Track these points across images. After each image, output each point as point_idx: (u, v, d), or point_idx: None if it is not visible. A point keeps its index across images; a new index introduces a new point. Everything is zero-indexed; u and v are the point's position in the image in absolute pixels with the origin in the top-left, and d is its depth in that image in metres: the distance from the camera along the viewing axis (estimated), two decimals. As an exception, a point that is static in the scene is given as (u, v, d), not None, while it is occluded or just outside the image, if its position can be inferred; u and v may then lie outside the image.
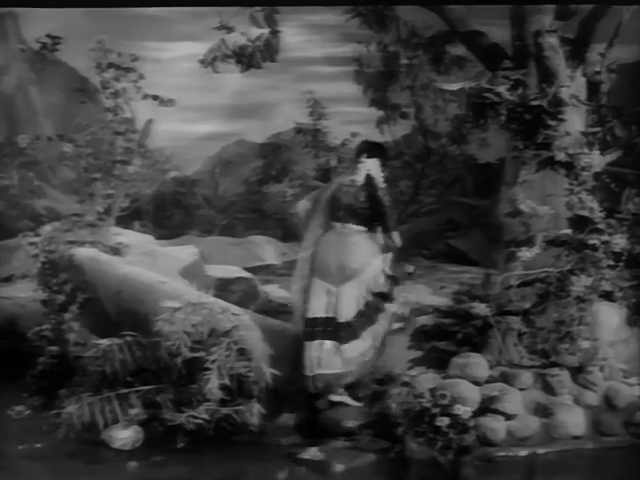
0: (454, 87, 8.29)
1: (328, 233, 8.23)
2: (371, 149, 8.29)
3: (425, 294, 10.24)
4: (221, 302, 7.97)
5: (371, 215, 8.14)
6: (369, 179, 8.16)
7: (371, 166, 8.19)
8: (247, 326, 7.87)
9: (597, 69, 8.40)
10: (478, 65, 12.02)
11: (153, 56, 10.64)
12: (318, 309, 8.01)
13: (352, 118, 12.74)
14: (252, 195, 13.67)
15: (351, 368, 7.95)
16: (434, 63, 12.05)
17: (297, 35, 11.73)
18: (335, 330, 7.93)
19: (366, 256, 8.12)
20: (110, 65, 9.55)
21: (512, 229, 8.23)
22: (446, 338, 8.13)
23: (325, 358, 7.89)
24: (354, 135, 12.68)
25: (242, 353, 7.75)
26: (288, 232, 13.01)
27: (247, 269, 11.13)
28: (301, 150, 13.26)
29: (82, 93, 10.85)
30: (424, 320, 8.43)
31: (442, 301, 9.78)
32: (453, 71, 12.04)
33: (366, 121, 12.62)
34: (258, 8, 9.04)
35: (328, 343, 7.91)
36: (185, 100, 10.49)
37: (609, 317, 8.35)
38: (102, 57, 9.62)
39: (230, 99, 12.48)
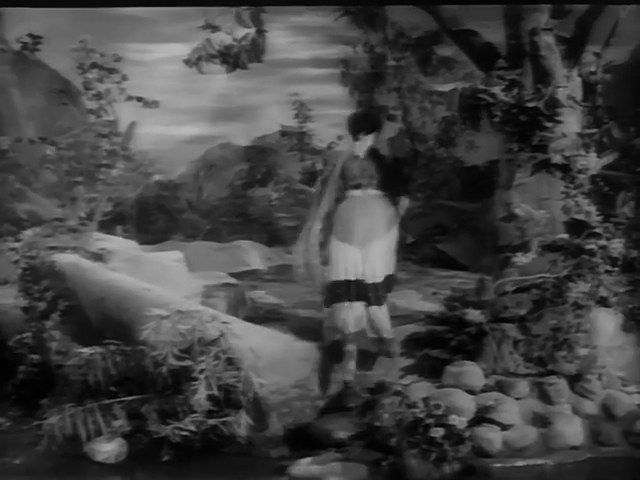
0: (446, 88, 7.97)
1: (345, 201, 8.25)
2: (365, 125, 8.41)
3: (415, 300, 9.95)
4: (210, 310, 7.67)
5: (386, 181, 8.23)
6: (374, 151, 8.31)
7: (370, 141, 8.33)
8: (236, 334, 7.56)
9: (592, 69, 8.13)
10: (466, 66, 11.80)
11: (136, 58, 10.37)
12: (342, 271, 8.05)
13: (338, 120, 12.35)
14: (237, 199, 13.35)
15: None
16: (422, 64, 11.79)
17: (282, 37, 11.47)
18: (363, 292, 8.01)
19: (389, 220, 8.22)
20: (93, 65, 9.28)
21: (507, 234, 7.94)
22: (439, 346, 7.85)
23: (356, 319, 7.96)
24: (340, 138, 12.38)
25: (231, 362, 7.46)
26: (273, 236, 12.78)
27: (232, 274, 10.88)
28: (286, 153, 12.96)
29: (64, 95, 10.51)
30: (416, 327, 8.11)
31: (434, 307, 9.59)
32: (441, 72, 11.79)
33: None
34: (244, 7, 8.70)
35: (357, 305, 7.99)
36: (169, 102, 10.27)
37: (605, 323, 8.06)
38: (85, 57, 9.35)
39: (214, 101, 12.19)
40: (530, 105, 7.43)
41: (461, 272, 11.46)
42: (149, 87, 10.12)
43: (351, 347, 7.94)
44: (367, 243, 8.10)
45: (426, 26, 11.48)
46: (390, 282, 8.22)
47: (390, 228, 8.25)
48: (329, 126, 12.50)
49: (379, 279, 8.09)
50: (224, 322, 7.53)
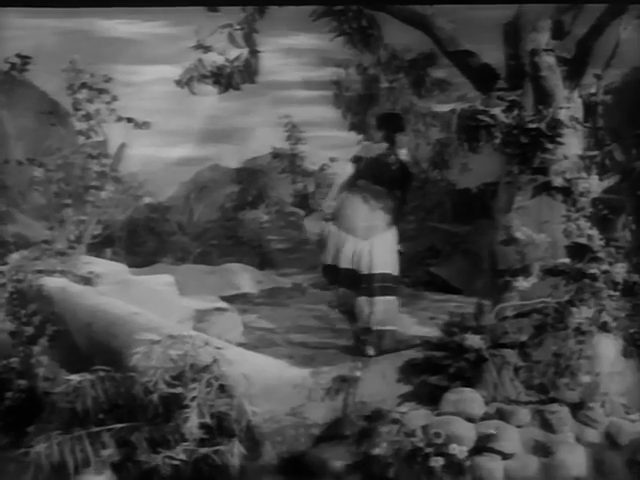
0: (445, 109, 7.72)
1: (353, 190, 8.64)
2: (395, 123, 8.91)
3: (410, 324, 9.72)
4: (202, 335, 7.41)
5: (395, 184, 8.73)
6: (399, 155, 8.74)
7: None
8: (228, 360, 7.29)
9: (593, 91, 7.89)
10: (460, 88, 11.66)
11: (125, 79, 10.16)
12: (345, 260, 8.51)
13: (330, 142, 12.30)
14: (227, 221, 13.16)
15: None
16: (415, 86, 11.58)
17: (273, 59, 11.28)
18: (355, 281, 8.48)
19: (390, 218, 8.65)
20: (83, 86, 9.03)
21: (506, 257, 7.68)
22: (437, 372, 7.57)
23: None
24: (332, 160, 12.27)
25: (223, 390, 7.19)
26: (264, 259, 12.58)
27: (223, 298, 10.65)
28: (278, 175, 12.80)
29: (52, 116, 10.27)
30: (413, 353, 7.84)
31: (430, 332, 9.34)
32: (435, 94, 11.60)
33: (345, 145, 12.11)
34: (237, 27, 8.47)
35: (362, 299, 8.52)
36: (158, 124, 10.07)
37: (606, 349, 7.81)
38: (74, 78, 9.11)
39: (204, 123, 12.10)
40: (532, 126, 7.19)
41: (455, 296, 11.30)
42: (138, 109, 9.89)
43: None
44: (370, 236, 8.54)
45: (419, 48, 11.37)
46: (388, 279, 8.56)
47: (390, 226, 8.68)
48: (321, 148, 12.41)
49: (377, 271, 8.50)
50: (217, 347, 7.23)
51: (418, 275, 12.15)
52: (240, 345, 8.33)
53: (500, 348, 7.49)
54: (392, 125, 8.87)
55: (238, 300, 10.88)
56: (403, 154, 8.80)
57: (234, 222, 13.14)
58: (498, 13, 7.92)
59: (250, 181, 13.10)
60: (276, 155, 12.60)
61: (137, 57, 11.45)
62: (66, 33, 10.69)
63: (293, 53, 11.91)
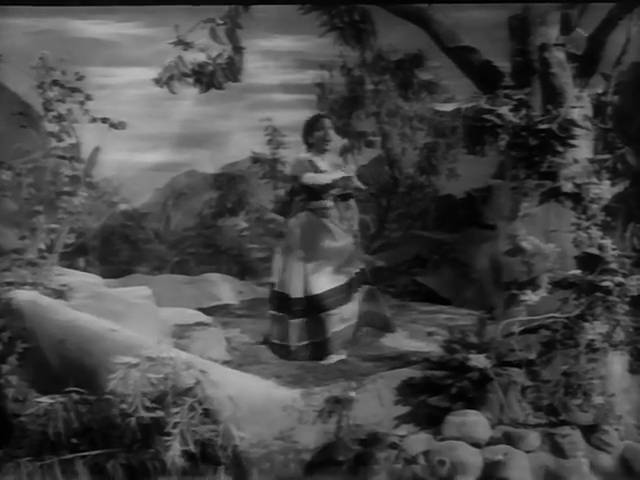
0: (448, 108, 7.03)
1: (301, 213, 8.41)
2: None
3: (401, 338, 9.05)
4: (184, 355, 6.70)
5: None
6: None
7: None
8: (212, 382, 6.60)
9: (601, 90, 7.24)
10: (448, 90, 11.08)
11: (99, 82, 9.46)
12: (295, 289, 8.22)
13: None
14: (206, 229, 12.44)
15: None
16: (402, 88, 10.97)
17: (253, 61, 10.68)
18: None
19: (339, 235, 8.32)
20: (54, 83, 8.29)
21: (512, 269, 7.02)
22: (438, 392, 6.91)
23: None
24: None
25: (207, 414, 6.51)
26: (245, 269, 11.90)
27: (202, 309, 9.95)
28: (258, 181, 12.08)
29: (23, 117, 9.52)
30: (410, 372, 7.17)
31: (421, 346, 8.75)
32: (422, 96, 10.99)
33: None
34: (220, 22, 7.78)
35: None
36: (133, 128, 9.33)
37: (616, 366, 7.18)
38: (44, 75, 8.38)
39: (180, 127, 11.41)
40: (542, 127, 6.52)
41: (445, 306, 10.66)
42: (112, 112, 9.15)
43: None
44: (315, 258, 8.24)
45: (410, 46, 10.79)
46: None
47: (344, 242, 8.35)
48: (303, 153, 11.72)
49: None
50: (201, 371, 6.54)
51: (404, 285, 11.50)
52: (224, 363, 7.64)
53: (506, 366, 6.83)
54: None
55: (218, 312, 10.20)
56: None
57: (213, 230, 12.42)
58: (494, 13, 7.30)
59: (229, 187, 12.39)
60: (256, 160, 11.89)
61: (111, 59, 10.61)
62: (37, 33, 10.06)
63: (273, 55, 11.23)
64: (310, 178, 8.43)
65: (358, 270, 8.42)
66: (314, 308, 8.17)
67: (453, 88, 11.05)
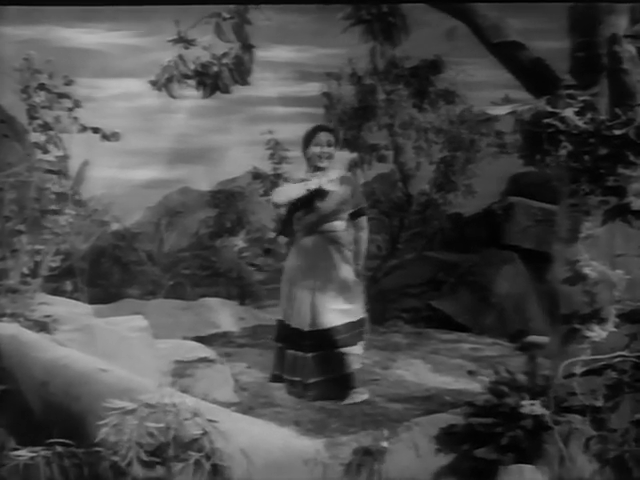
0: (502, 111, 5.87)
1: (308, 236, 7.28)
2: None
3: (424, 371, 7.99)
4: (189, 400, 5.52)
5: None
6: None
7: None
8: (222, 432, 5.44)
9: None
10: (466, 101, 10.06)
11: (87, 94, 8.53)
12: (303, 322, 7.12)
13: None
14: (202, 250, 11.46)
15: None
16: (417, 98, 9.93)
17: (254, 72, 9.85)
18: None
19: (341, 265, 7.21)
20: (40, 87, 7.19)
21: (572, 299, 5.86)
22: (484, 442, 5.75)
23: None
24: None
25: (216, 471, 5.35)
26: (245, 293, 10.90)
27: (200, 338, 8.91)
28: (259, 198, 11.01)
29: (5, 125, 8.41)
30: (451, 417, 6.01)
31: (447, 381, 7.68)
32: (439, 106, 9.95)
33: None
34: (227, 15, 6.63)
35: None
36: (124, 143, 8.35)
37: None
38: (29, 79, 7.27)
39: (174, 142, 10.62)
40: (616, 133, 5.37)
41: (465, 334, 9.62)
42: (101, 125, 8.18)
43: None
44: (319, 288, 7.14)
45: (421, 55, 9.82)
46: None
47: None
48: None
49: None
50: (210, 420, 5.36)
51: (417, 310, 10.44)
52: (232, 406, 6.50)
53: (566, 413, 5.68)
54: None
55: (217, 341, 9.15)
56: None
57: (210, 251, 11.49)
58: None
59: (228, 205, 11.36)
60: (257, 176, 10.82)
61: (100, 69, 9.91)
62: (22, 42, 9.21)
63: (273, 66, 10.26)
64: (279, 194, 7.47)
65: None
66: (328, 343, 7.07)
67: (470, 98, 10.15)
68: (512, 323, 9.84)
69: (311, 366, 7.04)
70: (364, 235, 7.33)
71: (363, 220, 7.36)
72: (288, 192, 7.39)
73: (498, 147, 10.26)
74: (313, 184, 7.21)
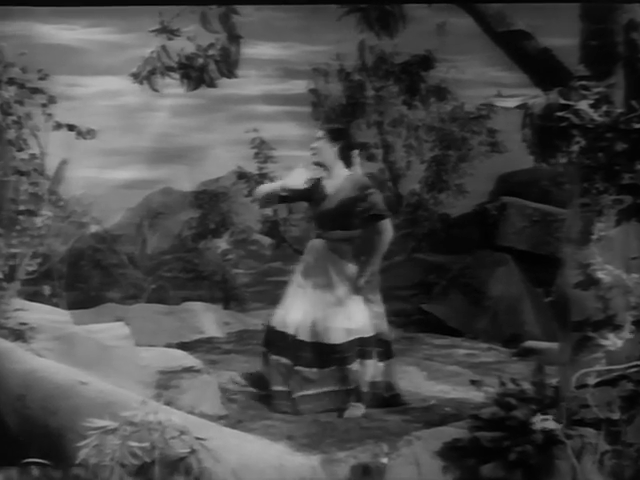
0: (512, 104, 5.44)
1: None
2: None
3: (420, 379, 7.58)
4: (175, 417, 5.07)
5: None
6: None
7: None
8: (210, 450, 5.00)
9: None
10: (458, 97, 9.73)
11: (64, 92, 8.17)
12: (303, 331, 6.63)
13: (305, 161, 10.24)
14: (186, 252, 11.03)
15: None
16: (407, 94, 9.55)
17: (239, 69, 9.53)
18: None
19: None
20: (11, 82, 6.73)
21: (584, 305, 5.44)
22: (490, 458, 5.34)
23: None
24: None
25: (206, 494, 4.92)
26: (230, 296, 10.49)
27: (184, 344, 8.54)
28: (244, 199, 10.58)
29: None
30: (454, 431, 5.59)
31: (444, 390, 7.28)
32: (431, 102, 9.57)
33: None
34: (213, 6, 6.21)
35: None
36: (103, 142, 8.02)
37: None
38: (2, 72, 6.82)
39: (155, 141, 10.32)
40: (635, 127, 4.96)
41: (459, 339, 9.27)
42: (80, 124, 7.80)
43: None
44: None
45: (412, 50, 9.46)
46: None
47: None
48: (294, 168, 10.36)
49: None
50: (198, 438, 4.91)
51: (408, 313, 10.05)
52: (220, 419, 6.07)
53: (578, 426, 5.27)
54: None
55: (202, 347, 8.76)
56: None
57: (193, 253, 11.02)
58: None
59: (211, 206, 10.93)
60: (242, 176, 10.41)
61: (78, 67, 9.63)
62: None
63: (256, 64, 9.87)
64: (261, 191, 7.13)
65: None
66: (331, 358, 6.60)
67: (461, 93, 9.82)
68: (506, 327, 9.50)
69: (308, 378, 6.59)
70: (380, 242, 6.68)
71: (381, 224, 6.68)
72: (264, 188, 7.06)
73: (490, 146, 9.93)
74: (289, 181, 6.80)
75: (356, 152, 7.01)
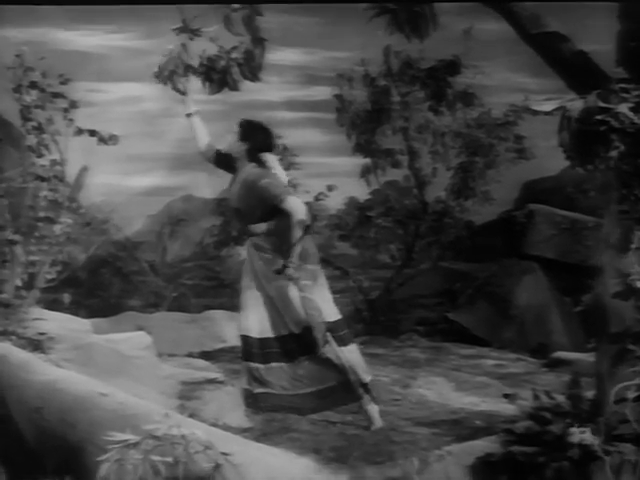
0: (548, 107, 5.23)
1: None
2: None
3: (448, 390, 7.36)
4: (200, 431, 4.87)
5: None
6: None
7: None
8: (235, 466, 4.80)
9: None
10: (485, 102, 9.56)
11: (85, 98, 8.07)
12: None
13: (328, 168, 10.09)
14: (207, 260, 10.85)
15: None
16: (433, 100, 9.36)
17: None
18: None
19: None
20: (33, 85, 6.60)
21: (622, 316, 5.22)
22: (526, 473, 5.13)
23: None
24: (330, 188, 9.99)
25: (231, 512, 4.72)
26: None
27: (205, 354, 8.45)
28: (267, 206, 10.42)
29: (-1, 128, 7.89)
30: (487, 445, 5.37)
31: (473, 402, 7.06)
32: (457, 108, 9.38)
33: (346, 172, 10.02)
34: (237, 6, 6.04)
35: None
36: (124, 148, 7.94)
37: None
38: (22, 77, 6.70)
39: (176, 147, 10.04)
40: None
41: (487, 349, 9.04)
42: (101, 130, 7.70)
43: None
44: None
45: (437, 55, 9.27)
46: None
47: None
48: (317, 175, 10.19)
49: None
50: (223, 453, 4.72)
51: (433, 322, 9.85)
52: (244, 431, 5.87)
53: (617, 442, 5.05)
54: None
55: (224, 356, 8.55)
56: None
57: (215, 261, 10.81)
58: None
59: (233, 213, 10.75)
60: (264, 182, 10.20)
61: (99, 73, 9.54)
62: (19, 44, 8.81)
63: (279, 69, 9.72)
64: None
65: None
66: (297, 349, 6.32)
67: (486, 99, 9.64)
68: (533, 336, 9.29)
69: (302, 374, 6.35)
70: (292, 225, 6.21)
71: (286, 209, 6.23)
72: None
73: (517, 152, 9.72)
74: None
75: (271, 156, 6.64)
